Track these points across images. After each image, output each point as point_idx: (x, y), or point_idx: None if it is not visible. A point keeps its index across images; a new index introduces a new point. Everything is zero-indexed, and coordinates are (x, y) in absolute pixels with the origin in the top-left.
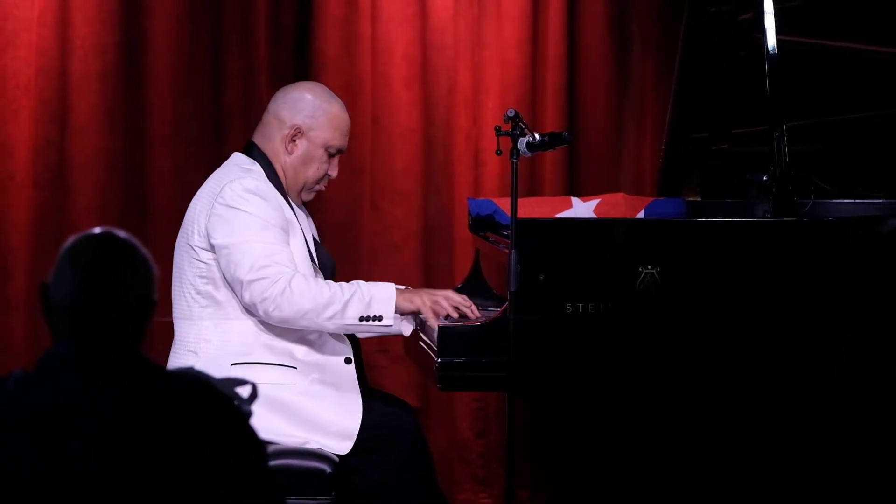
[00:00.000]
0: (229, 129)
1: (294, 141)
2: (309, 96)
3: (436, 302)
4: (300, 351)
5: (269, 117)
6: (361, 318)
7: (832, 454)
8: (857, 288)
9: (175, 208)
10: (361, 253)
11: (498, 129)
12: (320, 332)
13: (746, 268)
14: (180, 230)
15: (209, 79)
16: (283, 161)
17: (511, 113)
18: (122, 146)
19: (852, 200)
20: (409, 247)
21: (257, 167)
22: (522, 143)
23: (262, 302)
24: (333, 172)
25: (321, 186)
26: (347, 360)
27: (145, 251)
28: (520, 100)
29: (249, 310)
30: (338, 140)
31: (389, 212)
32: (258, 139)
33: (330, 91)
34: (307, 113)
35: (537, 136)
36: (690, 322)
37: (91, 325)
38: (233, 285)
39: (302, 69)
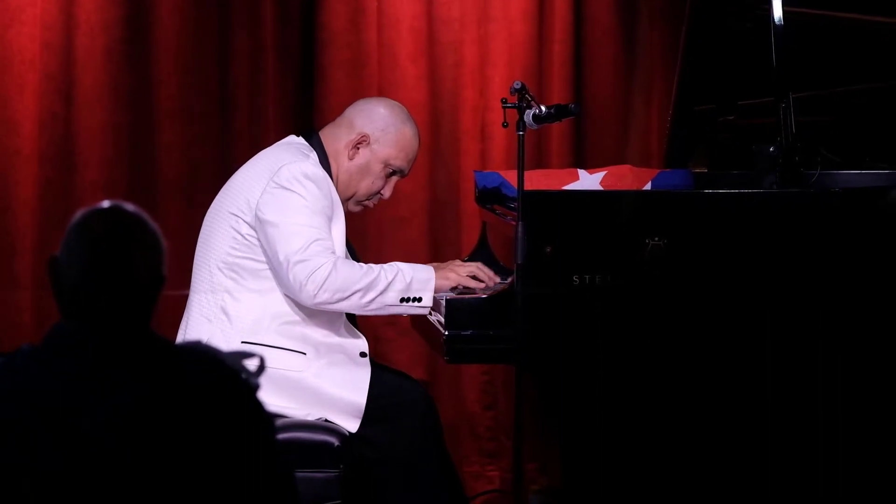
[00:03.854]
0: (236, 104)
1: (357, 148)
2: (385, 111)
3: (471, 273)
4: (314, 335)
5: (342, 119)
6: (402, 300)
7: (835, 430)
8: (864, 259)
9: (182, 183)
10: (368, 227)
11: (504, 101)
12: (338, 322)
13: (753, 239)
14: (218, 197)
15: (215, 54)
16: (342, 164)
17: (517, 85)
18: (129, 121)
19: (859, 171)
20: (416, 220)
21: (314, 155)
22: (529, 115)
23: (308, 284)
24: (387, 193)
25: (370, 203)
26: (362, 354)
27: (154, 225)
28: (526, 72)
29: (289, 291)
30: (400, 161)
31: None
32: (324, 134)
33: (408, 114)
34: (379, 125)
35: (544, 108)
36: (697, 293)
37: (99, 300)
38: (274, 263)
39: (308, 44)
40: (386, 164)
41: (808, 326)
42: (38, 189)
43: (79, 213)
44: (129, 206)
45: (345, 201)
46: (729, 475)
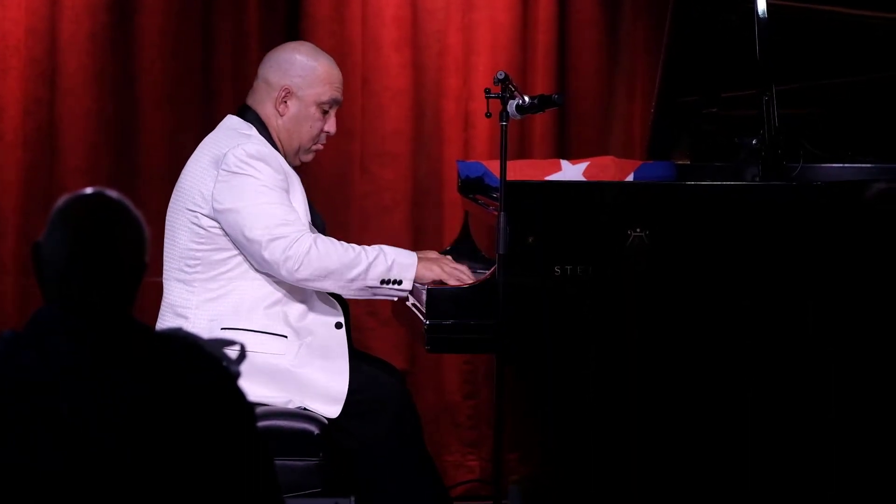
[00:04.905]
0: (219, 91)
1: (285, 102)
2: (296, 56)
3: (457, 277)
4: (292, 316)
5: (258, 83)
6: (383, 281)
7: (826, 417)
8: (846, 251)
9: (165, 170)
10: (351, 215)
11: (488, 91)
12: (312, 298)
13: (735, 231)
14: (174, 193)
15: (199, 41)
16: (277, 124)
17: (501, 75)
18: (112, 107)
19: (841, 164)
20: (398, 209)
21: (254, 131)
22: (512, 105)
23: (286, 261)
24: (331, 128)
25: (319, 146)
26: (338, 325)
27: (137, 212)
28: (510, 62)
29: (267, 269)
30: (328, 93)
31: (379, 174)
32: (253, 104)
33: (317, 48)
34: (295, 72)
35: (527, 98)
36: (679, 285)
37: (82, 286)
38: (245, 247)
39: (292, 31)
40: (318, 104)
41: (789, 318)
42: (22, 174)
43: (62, 199)
44: (113, 193)
45: (294, 155)
46: (711, 462)
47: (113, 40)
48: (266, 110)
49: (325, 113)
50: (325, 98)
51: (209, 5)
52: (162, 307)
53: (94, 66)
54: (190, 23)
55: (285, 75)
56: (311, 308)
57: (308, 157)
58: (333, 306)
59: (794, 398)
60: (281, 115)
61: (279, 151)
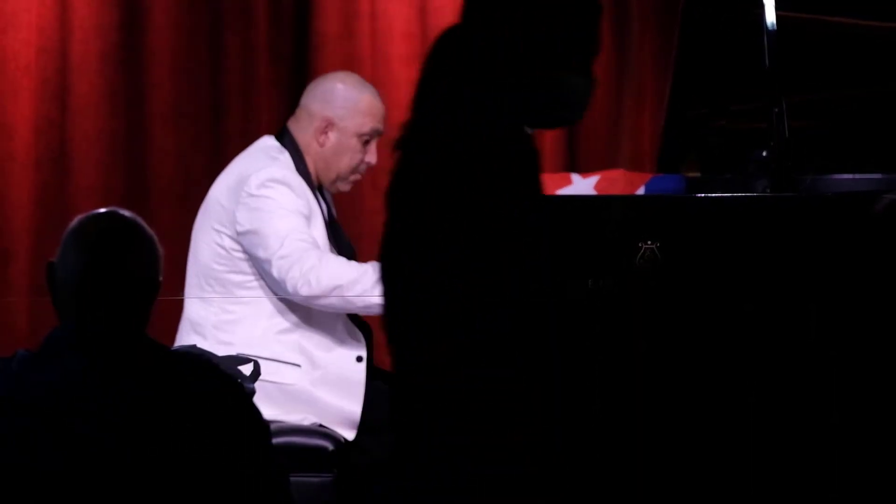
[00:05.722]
0: (229, 108)
1: (326, 133)
2: (339, 86)
3: None
4: (308, 346)
5: (300, 111)
6: None
7: (832, 433)
8: (857, 263)
9: (176, 188)
10: (362, 230)
11: None
12: (334, 330)
13: (746, 243)
14: (203, 207)
15: (209, 58)
16: (315, 153)
17: None
18: (123, 126)
19: (852, 176)
20: None
21: (285, 155)
22: None
23: (291, 278)
24: (371, 159)
25: (357, 175)
26: (359, 359)
27: (150, 231)
28: None
29: (278, 289)
30: (369, 125)
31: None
32: (292, 129)
33: (362, 80)
34: (338, 104)
35: None
36: (690, 298)
37: (96, 305)
38: (259, 266)
39: (301, 48)
40: (359, 135)
41: (801, 330)
42: (34, 194)
43: (75, 219)
44: (126, 212)
45: (331, 184)
46: (719, 474)
47: (123, 59)
48: (306, 138)
49: (366, 143)
50: (365, 129)
51: (218, 23)
52: (182, 322)
53: (105, 85)
54: (199, 41)
55: (327, 106)
56: (332, 340)
57: (346, 187)
58: (357, 338)
59: (810, 414)
60: (321, 146)
61: (313, 180)
